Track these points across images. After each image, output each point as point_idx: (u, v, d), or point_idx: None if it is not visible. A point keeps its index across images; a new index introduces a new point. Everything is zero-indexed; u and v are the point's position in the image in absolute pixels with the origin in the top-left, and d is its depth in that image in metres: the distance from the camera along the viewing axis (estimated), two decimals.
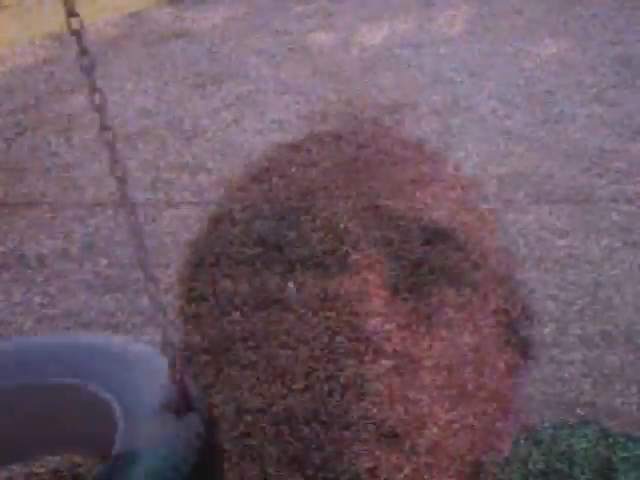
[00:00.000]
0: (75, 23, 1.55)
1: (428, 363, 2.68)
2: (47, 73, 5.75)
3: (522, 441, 2.41)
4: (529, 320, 2.92)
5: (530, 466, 2.33)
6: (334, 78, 5.19)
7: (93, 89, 1.61)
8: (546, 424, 2.48)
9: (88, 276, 3.22)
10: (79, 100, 5.12)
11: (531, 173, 3.86)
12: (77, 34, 1.55)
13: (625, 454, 2.35)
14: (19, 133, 4.68)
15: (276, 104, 4.79)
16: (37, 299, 3.11)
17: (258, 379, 2.65)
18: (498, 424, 2.49)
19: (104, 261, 3.31)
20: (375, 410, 2.52)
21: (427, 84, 5.00)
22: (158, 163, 4.11)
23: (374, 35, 6.04)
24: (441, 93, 4.82)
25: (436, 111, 4.57)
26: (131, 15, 7.17)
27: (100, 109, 1.62)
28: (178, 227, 3.53)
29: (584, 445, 2.36)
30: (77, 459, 2.29)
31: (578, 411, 2.53)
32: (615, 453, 2.34)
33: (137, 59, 5.83)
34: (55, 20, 7.39)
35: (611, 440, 2.38)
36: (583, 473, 2.29)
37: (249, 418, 2.50)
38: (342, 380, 2.65)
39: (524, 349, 2.77)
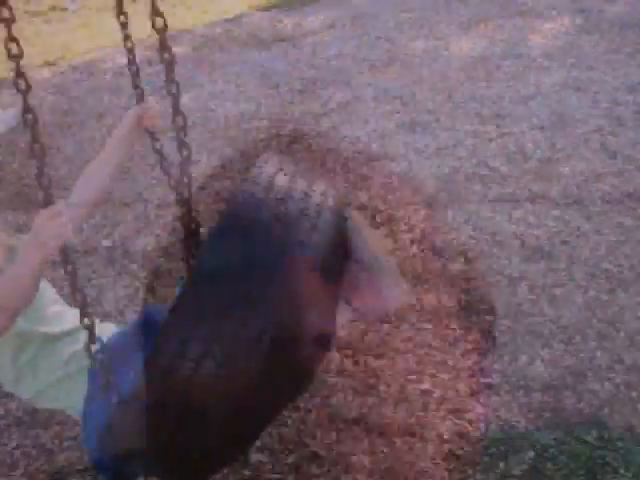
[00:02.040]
0: (159, 22, 1.70)
1: None
2: (153, 73, 5.92)
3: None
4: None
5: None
6: (434, 87, 5.15)
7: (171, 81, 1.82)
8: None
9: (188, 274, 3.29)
10: (183, 100, 5.26)
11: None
12: (163, 32, 1.73)
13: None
14: None
15: (376, 112, 4.79)
16: (141, 294, 3.21)
17: (353, 388, 2.66)
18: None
19: None
20: (471, 428, 2.50)
21: (529, 97, 4.91)
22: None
23: (474, 45, 5.97)
24: (544, 107, 4.72)
25: (539, 125, 4.47)
26: (231, 19, 7.33)
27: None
28: None
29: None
30: None
31: None
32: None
33: (237, 63, 5.94)
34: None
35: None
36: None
37: (343, 426, 2.51)
38: (436, 394, 2.64)
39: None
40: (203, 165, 4.24)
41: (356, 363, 2.77)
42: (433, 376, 2.70)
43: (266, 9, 7.53)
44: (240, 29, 6.90)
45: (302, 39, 6.40)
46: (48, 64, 6.48)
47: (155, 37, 1.70)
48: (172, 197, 3.87)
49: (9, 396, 2.71)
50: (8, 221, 3.89)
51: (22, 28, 8.18)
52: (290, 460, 2.41)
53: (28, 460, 2.49)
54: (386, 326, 2.93)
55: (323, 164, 4.15)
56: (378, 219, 3.59)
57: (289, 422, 2.55)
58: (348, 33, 6.45)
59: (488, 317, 2.97)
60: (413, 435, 2.49)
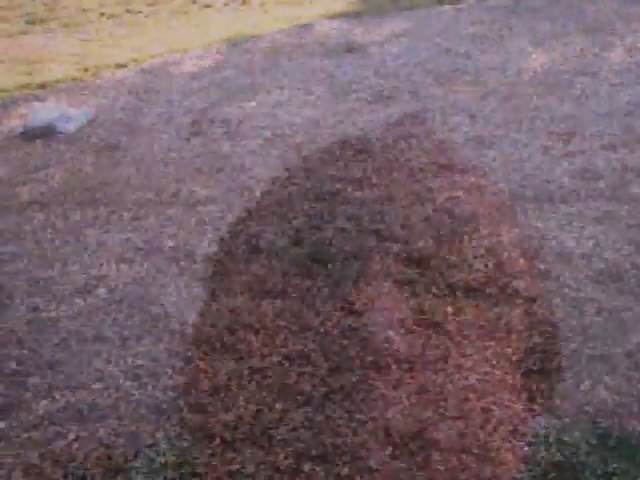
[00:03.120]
0: None
1: None
2: (221, 78, 5.99)
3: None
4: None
5: None
6: (503, 101, 5.08)
7: None
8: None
9: (250, 278, 3.31)
10: (250, 104, 5.31)
11: None
12: None
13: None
14: (194, 133, 4.89)
15: (445, 124, 4.74)
16: (202, 295, 3.23)
17: (411, 402, 2.62)
18: None
19: (265, 265, 3.39)
20: (528, 450, 2.43)
21: (601, 114, 4.80)
22: (322, 174, 4.17)
23: (546, 60, 5.87)
24: (616, 125, 4.60)
25: (611, 144, 4.36)
26: (303, 26, 7.36)
27: None
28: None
29: None
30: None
31: None
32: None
33: (307, 70, 5.96)
34: (230, 27, 7.71)
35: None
36: None
37: (399, 441, 2.48)
38: (497, 414, 2.58)
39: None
40: (268, 170, 4.26)
41: (414, 378, 2.73)
42: (493, 394, 2.64)
43: (336, 18, 7.54)
44: (310, 37, 6.92)
45: (371, 48, 6.39)
46: (121, 66, 6.62)
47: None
48: (236, 201, 3.91)
49: (69, 388, 2.77)
50: (73, 216, 3.98)
51: (98, 29, 8.39)
52: (344, 472, 2.39)
53: (86, 452, 2.52)
54: (447, 341, 2.88)
55: (389, 174, 4.12)
56: (442, 232, 3.55)
57: (344, 432, 2.52)
58: (417, 44, 6.42)
59: (552, 338, 2.90)
60: (471, 454, 2.43)
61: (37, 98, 5.88)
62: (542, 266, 3.29)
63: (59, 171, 4.55)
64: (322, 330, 2.96)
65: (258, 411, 2.60)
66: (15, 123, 5.40)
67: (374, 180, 4.08)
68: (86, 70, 6.54)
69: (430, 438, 2.48)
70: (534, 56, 5.97)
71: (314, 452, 2.44)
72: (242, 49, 6.73)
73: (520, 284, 3.18)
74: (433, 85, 5.44)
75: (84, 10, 9.63)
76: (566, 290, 3.15)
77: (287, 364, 2.79)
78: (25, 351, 2.98)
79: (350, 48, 6.42)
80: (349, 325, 2.99)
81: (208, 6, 9.13)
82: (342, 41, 6.66)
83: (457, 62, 5.88)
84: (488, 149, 4.38)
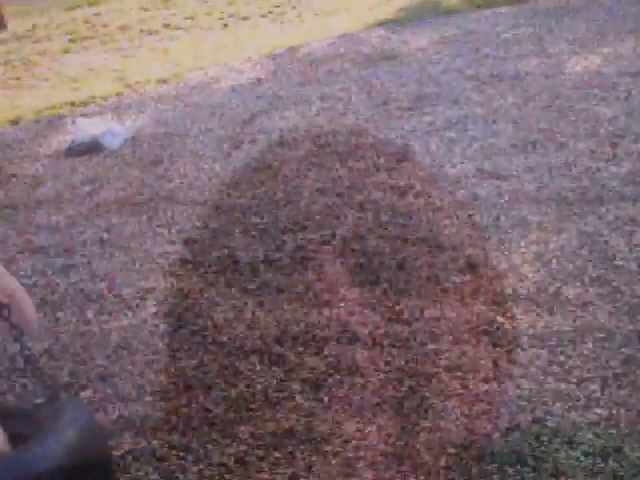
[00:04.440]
0: None
1: None
2: (261, 90, 6.04)
3: None
4: None
5: None
6: (546, 105, 5.02)
7: None
8: None
9: (299, 288, 3.31)
10: (291, 115, 5.34)
11: None
12: None
13: None
14: (235, 147, 4.93)
15: (486, 131, 4.71)
16: (249, 307, 3.24)
17: (463, 412, 2.59)
18: None
19: (313, 275, 3.40)
20: (588, 461, 2.38)
21: None
22: (366, 182, 4.17)
23: (588, 62, 5.80)
24: None
25: None
26: (341, 36, 7.39)
27: None
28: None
29: None
30: None
31: None
32: None
33: (347, 79, 5.97)
34: (268, 39, 7.78)
35: None
36: None
37: (453, 451, 2.45)
38: (550, 424, 2.53)
39: None
40: (312, 180, 4.26)
41: (466, 387, 2.69)
42: (546, 404, 2.59)
43: (374, 26, 7.56)
44: (348, 46, 6.94)
45: (410, 56, 6.39)
46: (162, 80, 6.71)
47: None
48: (283, 212, 3.91)
49: (122, 401, 2.80)
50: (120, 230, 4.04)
51: (138, 45, 8.53)
52: None
53: (139, 465, 2.54)
54: (497, 349, 2.85)
55: (433, 181, 4.11)
56: (490, 239, 3.52)
57: (396, 443, 2.50)
58: (456, 50, 6.39)
59: (606, 344, 2.84)
60: (526, 465, 2.39)
61: (81, 114, 6.00)
62: (593, 272, 3.23)
63: (105, 186, 4.62)
64: (371, 340, 2.95)
65: (309, 423, 2.60)
66: (61, 140, 5.51)
67: (418, 188, 4.06)
68: (128, 86, 6.65)
69: (483, 449, 2.45)
70: (576, 59, 5.90)
71: (367, 464, 2.42)
72: (281, 61, 6.78)
73: (571, 291, 3.12)
74: (474, 91, 5.40)
75: (124, 27, 9.82)
76: (618, 296, 3.09)
77: (338, 375, 2.79)
78: (78, 364, 3.02)
79: (389, 56, 6.42)
80: (398, 335, 2.97)
81: (245, 19, 9.23)
82: (380, 49, 6.68)
83: (497, 67, 5.84)
84: (532, 154, 4.33)
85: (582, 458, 2.39)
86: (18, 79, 7.82)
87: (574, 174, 4.06)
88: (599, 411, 2.55)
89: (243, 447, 2.53)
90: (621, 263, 3.28)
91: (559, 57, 5.95)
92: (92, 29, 9.91)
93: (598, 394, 2.61)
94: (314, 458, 2.46)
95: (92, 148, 5.21)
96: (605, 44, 6.15)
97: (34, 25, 10.77)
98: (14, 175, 5.03)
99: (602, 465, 2.35)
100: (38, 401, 1.96)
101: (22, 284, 3.62)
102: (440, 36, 6.90)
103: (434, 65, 6.08)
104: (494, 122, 4.83)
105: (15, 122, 6.11)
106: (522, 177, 4.08)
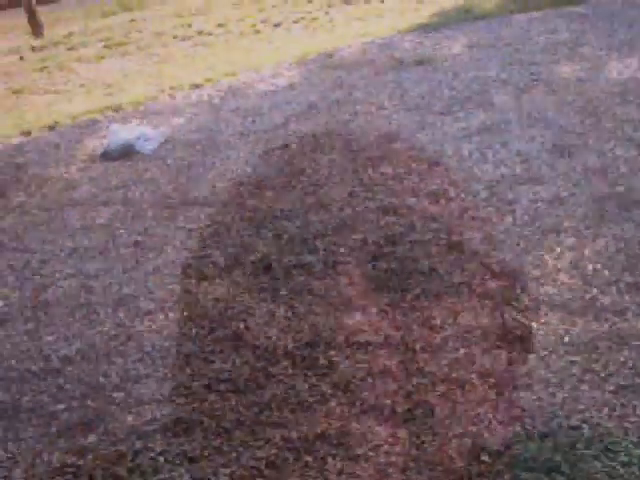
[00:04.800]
0: None
1: None
2: (294, 95, 6.05)
3: None
4: None
5: None
6: (581, 110, 4.96)
7: None
8: None
9: (331, 293, 3.31)
10: (323, 120, 5.34)
11: None
12: None
13: None
14: (268, 151, 4.95)
15: (520, 136, 4.66)
16: (281, 311, 3.25)
17: (496, 418, 2.57)
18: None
19: (344, 280, 3.39)
20: (624, 470, 2.34)
21: None
22: (398, 187, 4.15)
23: (623, 67, 5.72)
24: None
25: None
26: (373, 41, 7.38)
27: None
28: None
29: None
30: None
31: None
32: None
33: (379, 84, 5.96)
34: (300, 45, 7.80)
35: None
36: None
37: (487, 458, 2.42)
38: (586, 432, 2.50)
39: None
40: (344, 186, 4.26)
41: (499, 394, 2.67)
42: (582, 412, 2.55)
43: (406, 32, 7.54)
44: (380, 52, 6.94)
45: (442, 61, 6.36)
46: (195, 86, 6.77)
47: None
48: (314, 218, 3.92)
49: (155, 402, 2.81)
50: (154, 234, 4.07)
51: (171, 52, 8.61)
52: None
53: (171, 466, 2.55)
54: (532, 357, 2.81)
55: (465, 186, 4.08)
56: (524, 244, 3.48)
57: (428, 449, 2.49)
58: (489, 55, 6.35)
59: None
60: (560, 473, 2.36)
61: (116, 119, 6.06)
62: (630, 279, 3.18)
63: (139, 190, 4.67)
64: (403, 345, 2.93)
65: (341, 427, 2.59)
66: (96, 144, 5.57)
67: (450, 193, 4.04)
68: (162, 91, 6.71)
69: (517, 456, 2.42)
70: (611, 63, 5.82)
71: (398, 469, 2.41)
72: (313, 66, 6.79)
73: (606, 299, 3.08)
74: (508, 96, 5.36)
75: (158, 33, 9.93)
76: None
77: (369, 380, 2.78)
78: (111, 365, 3.05)
79: (421, 61, 6.40)
80: (431, 340, 2.95)
81: (278, 25, 9.27)
82: (413, 54, 6.65)
83: (531, 72, 5.79)
84: (568, 159, 4.28)
85: (618, 467, 2.36)
86: (55, 85, 7.93)
87: (610, 179, 4.01)
88: (635, 420, 2.51)
89: (274, 450, 2.53)
90: None
91: (594, 62, 5.88)
92: (127, 35, 10.03)
93: (635, 402, 2.57)
94: (345, 462, 2.46)
95: (126, 152, 5.26)
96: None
97: (70, 32, 10.94)
98: (50, 179, 5.10)
99: (639, 474, 2.31)
100: None
101: (57, 286, 3.69)
102: (473, 41, 6.86)
103: (467, 70, 6.05)
104: (528, 127, 4.78)
105: (52, 127, 6.21)
106: (557, 182, 4.03)
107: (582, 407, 2.58)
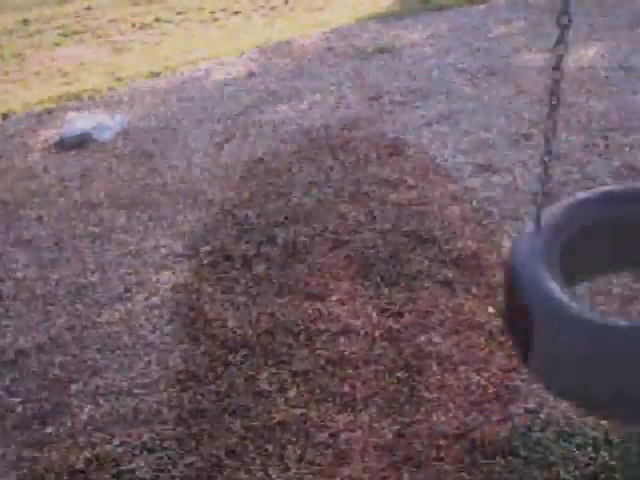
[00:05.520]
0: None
1: None
2: (253, 83, 6.02)
3: None
4: None
5: None
6: (538, 99, 5.02)
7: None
8: None
9: (290, 282, 3.30)
10: (283, 109, 5.32)
11: None
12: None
13: None
14: (228, 139, 4.92)
15: (479, 124, 4.70)
16: (241, 299, 3.23)
17: (454, 403, 2.59)
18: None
19: (304, 268, 3.39)
20: (579, 452, 2.39)
21: None
22: (358, 175, 4.16)
23: (581, 56, 5.79)
24: None
25: None
26: (333, 30, 7.36)
27: None
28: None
29: None
30: None
31: None
32: None
33: (339, 73, 5.96)
34: (259, 33, 7.75)
35: None
36: None
37: (444, 443, 2.45)
38: (542, 415, 2.54)
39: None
40: (303, 174, 4.25)
41: (457, 379, 2.70)
42: (539, 395, 2.59)
43: (365, 21, 7.54)
44: (340, 41, 6.92)
45: (402, 50, 6.37)
46: (153, 74, 6.68)
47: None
48: (271, 206, 3.89)
49: (113, 394, 2.78)
50: (111, 223, 4.02)
51: (129, 39, 8.49)
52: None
53: (130, 457, 2.53)
54: (490, 342, 2.85)
55: (425, 175, 4.10)
56: (480, 232, 3.52)
57: (387, 435, 2.50)
58: (449, 44, 6.38)
59: None
60: (517, 456, 2.40)
61: (72, 108, 5.96)
62: None
63: (96, 180, 4.60)
64: (363, 332, 2.94)
65: (301, 415, 2.59)
66: (51, 133, 5.47)
67: (409, 181, 4.05)
68: (119, 79, 6.61)
69: (475, 440, 2.45)
70: (569, 53, 5.87)
71: (358, 455, 2.42)
72: (273, 55, 6.75)
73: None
74: (466, 85, 5.40)
75: (114, 20, 9.77)
76: (609, 286, 3.09)
77: (329, 367, 2.78)
78: (68, 357, 3.01)
79: (381, 50, 6.40)
80: (390, 327, 2.97)
81: (237, 13, 9.20)
82: (372, 44, 6.65)
83: (489, 61, 5.84)
84: (525, 148, 4.33)
85: (574, 449, 2.40)
86: (9, 73, 7.77)
87: (567, 168, 4.06)
88: None
89: (235, 439, 2.53)
90: None
91: (551, 52, 5.93)
92: (83, 23, 9.86)
93: None
94: (305, 450, 2.46)
95: (83, 141, 5.17)
96: (597, 39, 6.15)
97: (25, 19, 10.70)
98: (5, 169, 5.00)
99: (593, 456, 2.36)
100: None
101: (13, 277, 3.62)
102: (432, 30, 6.89)
103: (427, 59, 6.07)
104: (486, 115, 4.82)
105: (6, 115, 6.08)
106: (514, 170, 4.08)
107: (539, 391, 2.61)
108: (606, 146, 4.27)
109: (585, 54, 5.82)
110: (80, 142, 5.18)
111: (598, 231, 2.09)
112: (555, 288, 1.78)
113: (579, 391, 1.82)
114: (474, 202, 3.79)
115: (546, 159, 1.92)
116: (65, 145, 5.20)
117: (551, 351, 1.78)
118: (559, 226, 2.03)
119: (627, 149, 4.21)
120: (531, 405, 2.56)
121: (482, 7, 7.55)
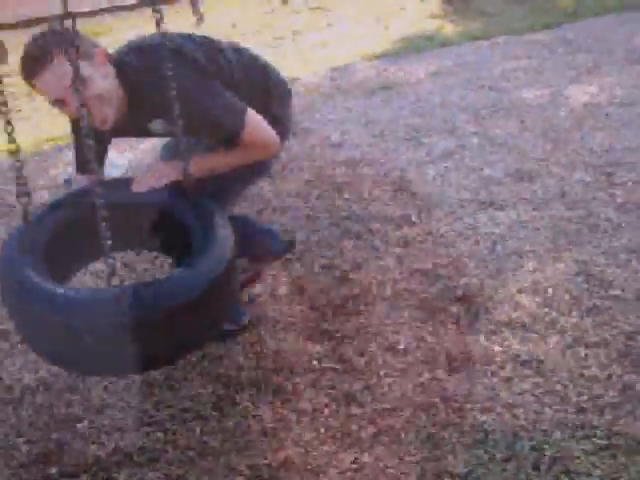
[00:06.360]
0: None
1: None
2: None
3: None
4: None
5: None
6: (543, 136, 5.07)
7: None
8: None
9: (296, 319, 3.32)
10: (287, 145, 5.38)
11: None
12: None
13: None
14: None
15: (483, 160, 4.74)
16: (246, 336, 3.25)
17: (460, 442, 2.59)
18: None
19: (307, 306, 3.40)
20: None
21: None
22: (366, 213, 4.19)
23: (584, 92, 5.86)
24: None
25: None
26: (337, 68, 7.46)
27: None
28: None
29: None
30: None
31: None
32: None
33: (344, 111, 6.03)
34: None
35: None
36: None
37: None
38: (548, 453, 2.52)
39: None
40: (310, 212, 4.28)
41: (463, 418, 2.69)
42: (545, 433, 2.59)
43: (370, 59, 7.64)
44: (345, 78, 7.02)
45: (406, 87, 6.45)
46: None
47: None
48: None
49: (118, 432, 2.79)
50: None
51: None
52: None
53: None
54: (494, 379, 2.85)
55: (429, 212, 4.13)
56: (486, 268, 3.53)
57: (394, 473, 2.49)
58: (453, 81, 6.46)
59: (605, 373, 2.84)
60: None
61: None
62: (590, 302, 3.24)
63: None
64: (368, 370, 2.95)
65: (306, 453, 2.59)
66: (60, 171, 5.53)
67: (413, 218, 4.08)
68: None
69: (481, 477, 2.44)
70: (570, 89, 5.96)
71: None
72: None
73: (568, 320, 3.13)
74: (470, 122, 5.45)
75: None
76: (614, 324, 3.09)
77: (333, 405, 2.78)
78: (75, 395, 3.01)
79: (385, 87, 6.49)
80: (394, 365, 2.97)
81: None
82: (377, 81, 6.74)
83: (493, 98, 5.90)
84: (529, 183, 4.37)
85: None
86: (20, 111, 7.87)
87: (570, 204, 4.09)
88: (597, 441, 2.55)
89: (240, 478, 2.52)
90: (617, 293, 3.29)
91: (554, 88, 6.01)
92: None
93: (596, 423, 2.61)
94: None
95: None
96: (599, 75, 6.22)
97: None
98: (14, 206, 5.05)
99: None
100: None
101: None
102: (436, 67, 6.98)
103: (430, 96, 6.14)
104: (490, 153, 4.86)
105: (14, 153, 6.13)
106: (518, 206, 4.10)
107: (545, 427, 2.61)
108: (609, 182, 4.29)
109: (588, 90, 5.88)
110: None
111: (74, 228, 2.58)
112: (28, 271, 2.27)
113: (45, 349, 2.36)
114: (479, 238, 3.81)
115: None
116: (72, 183, 5.24)
117: (24, 320, 2.34)
118: (43, 223, 2.54)
119: (630, 185, 4.24)
120: (537, 444, 2.55)
121: (486, 43, 7.66)
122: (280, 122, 2.96)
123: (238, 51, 3.01)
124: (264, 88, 3.01)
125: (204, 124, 2.62)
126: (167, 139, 3.37)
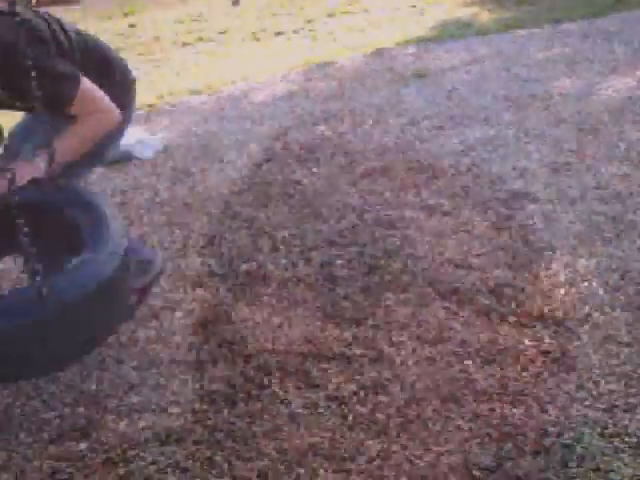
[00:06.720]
0: None
1: None
2: (293, 104, 6.07)
3: None
4: None
5: None
6: (578, 128, 4.99)
7: None
8: None
9: (326, 305, 3.32)
10: (322, 131, 5.36)
11: None
12: None
13: None
14: (267, 159, 4.96)
15: (517, 151, 4.69)
16: (276, 320, 3.25)
17: (489, 435, 2.57)
18: None
19: (340, 292, 3.40)
20: None
21: None
22: (398, 201, 4.17)
23: (621, 84, 5.76)
24: None
25: None
26: (373, 53, 7.41)
27: None
28: None
29: None
30: None
31: None
32: None
33: (378, 96, 5.99)
34: (300, 55, 7.83)
35: None
36: None
37: (478, 474, 2.43)
38: (577, 450, 2.50)
39: None
40: (342, 197, 4.27)
41: (493, 410, 2.67)
42: (574, 430, 2.56)
43: (406, 45, 7.58)
44: (380, 64, 6.97)
45: (442, 75, 6.39)
46: (195, 92, 6.78)
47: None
48: (309, 227, 3.89)
49: (147, 411, 2.81)
50: (150, 240, 4.08)
51: (171, 58, 8.61)
52: None
53: (162, 476, 2.54)
54: (524, 373, 2.82)
55: (463, 202, 4.09)
56: (519, 261, 3.50)
57: (420, 464, 2.49)
58: (489, 70, 6.39)
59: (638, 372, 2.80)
60: None
61: None
62: (624, 299, 3.20)
63: (136, 196, 4.67)
64: (397, 359, 2.94)
65: (333, 440, 2.59)
66: None
67: (446, 207, 4.05)
68: (161, 97, 6.72)
69: (509, 472, 2.43)
70: (609, 81, 5.86)
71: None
72: (313, 76, 6.81)
73: (601, 316, 3.09)
74: (505, 111, 5.39)
75: (157, 38, 9.93)
76: None
77: (362, 393, 2.78)
78: (105, 373, 3.04)
79: (421, 74, 6.43)
80: (426, 355, 2.96)
81: (279, 34, 9.29)
82: (413, 67, 6.69)
83: (529, 88, 5.83)
84: (564, 176, 4.31)
85: None
86: None
87: (606, 198, 4.03)
88: (628, 439, 2.52)
89: (266, 462, 2.53)
90: None
91: (591, 79, 5.92)
92: (126, 40, 10.04)
93: (627, 421, 2.58)
94: (337, 475, 2.46)
95: (124, 158, 5.25)
96: (638, 67, 6.11)
97: None
98: None
99: None
100: None
101: None
102: (472, 55, 6.90)
103: (466, 84, 6.08)
104: (525, 143, 4.81)
105: None
106: (553, 199, 4.05)
107: (574, 425, 2.58)
108: None
109: (627, 82, 5.78)
110: (121, 158, 5.25)
111: None
112: None
113: None
114: (513, 231, 3.77)
115: None
116: (106, 162, 5.27)
117: None
118: None
119: None
120: (566, 440, 2.52)
121: (522, 32, 7.56)
122: (121, 104, 2.90)
123: (80, 34, 3.01)
124: (105, 72, 2.97)
125: (41, 86, 2.45)
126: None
